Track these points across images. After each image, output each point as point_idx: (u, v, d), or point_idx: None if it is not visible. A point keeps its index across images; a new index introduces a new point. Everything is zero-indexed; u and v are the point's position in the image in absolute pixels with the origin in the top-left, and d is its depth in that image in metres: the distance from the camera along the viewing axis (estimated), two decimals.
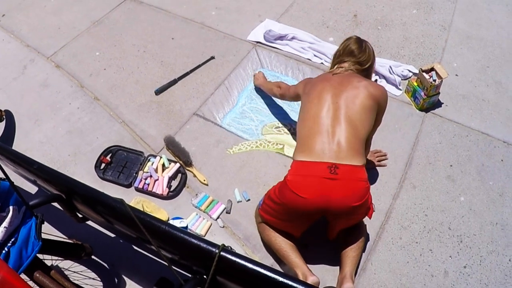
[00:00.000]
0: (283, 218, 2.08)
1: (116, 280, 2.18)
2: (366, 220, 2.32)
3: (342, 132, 1.96)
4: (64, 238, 2.16)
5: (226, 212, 2.39)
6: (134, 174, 2.55)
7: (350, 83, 2.10)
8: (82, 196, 1.73)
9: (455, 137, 2.76)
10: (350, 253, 2.08)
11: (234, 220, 2.39)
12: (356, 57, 2.24)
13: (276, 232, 2.16)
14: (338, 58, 2.30)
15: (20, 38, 3.50)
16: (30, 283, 1.57)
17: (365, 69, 2.26)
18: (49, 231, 2.16)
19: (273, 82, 2.81)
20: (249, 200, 2.44)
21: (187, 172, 2.59)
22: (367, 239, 2.25)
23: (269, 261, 2.21)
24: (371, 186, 2.46)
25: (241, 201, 2.44)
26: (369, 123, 2.08)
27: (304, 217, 2.03)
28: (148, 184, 2.50)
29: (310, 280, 1.96)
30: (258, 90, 3.02)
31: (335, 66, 2.28)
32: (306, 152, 1.98)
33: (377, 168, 2.59)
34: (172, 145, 2.65)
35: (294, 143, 2.64)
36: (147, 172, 2.53)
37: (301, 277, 2.00)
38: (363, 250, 2.20)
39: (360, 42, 2.28)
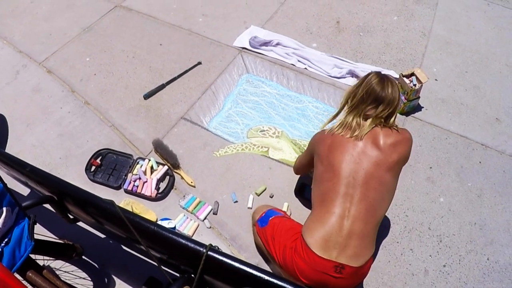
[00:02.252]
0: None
1: (106, 280, 2.18)
2: None
3: (356, 218, 1.73)
4: (56, 239, 2.15)
5: (213, 213, 2.41)
6: (124, 177, 2.56)
7: (374, 148, 1.78)
8: (73, 197, 1.74)
9: (434, 140, 2.81)
10: None
11: (220, 221, 2.40)
12: (382, 102, 1.82)
13: None
14: (356, 106, 1.87)
15: (13, 44, 3.49)
16: (23, 282, 1.54)
17: (388, 116, 1.86)
18: (41, 232, 2.20)
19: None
20: (236, 201, 2.47)
21: (175, 174, 2.59)
22: None
23: (255, 260, 2.23)
24: None
25: (237, 201, 2.47)
26: (391, 196, 1.85)
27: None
28: (137, 186, 2.50)
29: None
30: (244, 94, 3.04)
31: (351, 119, 1.86)
32: (318, 241, 1.73)
33: None
34: (160, 148, 2.66)
35: (279, 146, 2.70)
36: (136, 175, 2.54)
37: None
38: None
39: (383, 80, 1.85)
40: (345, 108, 1.95)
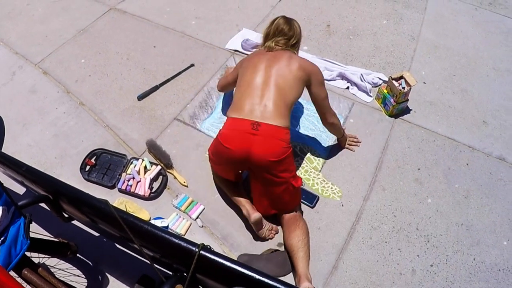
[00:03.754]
0: (218, 163, 2.38)
1: (100, 278, 2.20)
2: (338, 220, 2.40)
3: (270, 96, 2.18)
4: (51, 237, 2.19)
5: None
6: (118, 176, 2.58)
7: (283, 56, 2.32)
8: (68, 196, 1.75)
9: (422, 142, 2.83)
10: (298, 254, 2.16)
11: (212, 220, 2.42)
12: (287, 35, 2.42)
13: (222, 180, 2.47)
14: (270, 37, 2.44)
15: (9, 45, 3.50)
16: (19, 280, 1.60)
17: (293, 45, 2.45)
18: (37, 231, 2.18)
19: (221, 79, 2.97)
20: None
21: (168, 174, 2.62)
22: (307, 234, 2.28)
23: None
24: (343, 187, 2.55)
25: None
26: (298, 90, 2.29)
27: (232, 165, 2.29)
28: (131, 186, 2.52)
29: (252, 217, 2.25)
30: None
31: (267, 44, 2.43)
32: (236, 111, 2.22)
33: (349, 170, 2.65)
34: (153, 149, 2.68)
35: None
36: (130, 174, 2.57)
37: (245, 214, 2.30)
38: (309, 245, 2.24)
39: (288, 20, 2.46)
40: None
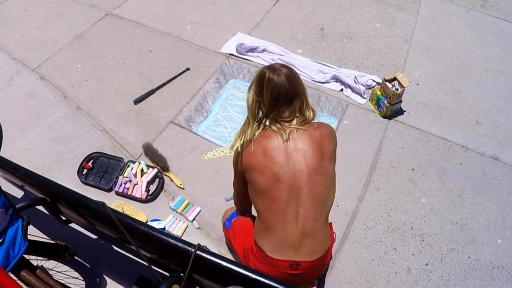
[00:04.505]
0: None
1: (97, 279, 2.20)
2: (333, 220, 2.28)
3: (308, 216, 1.67)
4: (49, 239, 2.15)
5: None
6: (115, 179, 2.59)
7: (305, 143, 1.67)
8: (66, 199, 1.76)
9: (416, 142, 2.86)
10: None
11: (209, 221, 2.43)
12: (289, 102, 1.69)
13: None
14: (274, 110, 1.69)
15: (7, 51, 3.51)
16: (17, 281, 1.51)
17: (300, 107, 1.72)
18: (35, 233, 2.22)
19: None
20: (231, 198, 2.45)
21: (165, 177, 2.62)
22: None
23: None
24: (338, 188, 2.39)
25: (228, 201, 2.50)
26: (334, 186, 1.81)
27: None
28: (128, 188, 2.53)
29: None
30: (231, 99, 3.07)
31: (273, 125, 1.70)
32: (272, 244, 1.72)
33: (344, 171, 2.64)
34: (150, 152, 2.69)
35: None
36: (127, 177, 2.57)
37: None
38: None
39: (278, 73, 1.67)
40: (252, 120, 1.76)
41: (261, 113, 1.74)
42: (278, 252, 1.70)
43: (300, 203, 1.65)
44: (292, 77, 1.68)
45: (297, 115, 1.70)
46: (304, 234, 1.67)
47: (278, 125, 1.68)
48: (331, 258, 1.99)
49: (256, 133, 1.73)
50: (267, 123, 1.73)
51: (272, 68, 1.68)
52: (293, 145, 1.65)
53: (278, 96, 1.65)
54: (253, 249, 1.80)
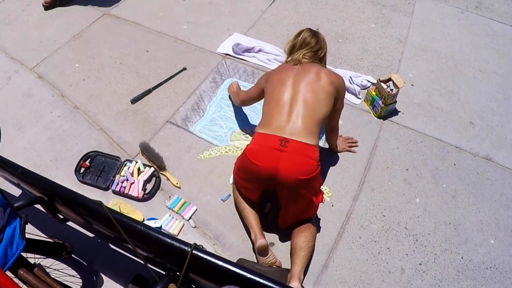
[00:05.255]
0: (244, 178, 2.29)
1: (94, 277, 2.21)
2: (328, 220, 2.41)
3: (299, 112, 2.13)
4: (46, 238, 2.19)
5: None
6: (112, 178, 2.60)
7: (311, 71, 2.26)
8: (63, 198, 1.78)
9: (411, 142, 2.87)
10: (300, 253, 2.15)
11: (205, 220, 2.44)
12: (313, 48, 2.38)
13: (242, 198, 2.36)
14: (297, 50, 2.40)
15: (5, 50, 3.50)
16: (15, 280, 1.56)
17: (321, 58, 2.42)
18: (33, 231, 2.22)
19: (238, 92, 2.90)
20: (228, 197, 2.54)
21: (161, 176, 2.63)
22: (314, 238, 2.28)
23: (238, 257, 2.26)
24: (333, 188, 2.57)
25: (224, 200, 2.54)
26: (327, 106, 2.23)
27: (258, 182, 2.22)
28: (125, 187, 2.54)
29: (258, 242, 2.17)
30: (228, 99, 3.09)
31: (295, 56, 2.38)
32: (264, 127, 2.17)
33: (338, 171, 2.68)
34: (147, 151, 2.70)
35: None
36: (124, 176, 2.58)
37: (253, 237, 2.22)
38: (312, 251, 2.26)
39: (314, 33, 2.44)
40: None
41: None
42: (269, 130, 2.13)
43: (295, 103, 2.16)
44: (319, 35, 2.45)
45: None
46: (295, 124, 2.11)
47: (299, 56, 2.36)
48: (311, 179, 2.11)
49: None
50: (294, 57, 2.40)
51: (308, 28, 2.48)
52: (304, 67, 2.30)
53: (303, 40, 2.41)
54: (248, 146, 2.21)
